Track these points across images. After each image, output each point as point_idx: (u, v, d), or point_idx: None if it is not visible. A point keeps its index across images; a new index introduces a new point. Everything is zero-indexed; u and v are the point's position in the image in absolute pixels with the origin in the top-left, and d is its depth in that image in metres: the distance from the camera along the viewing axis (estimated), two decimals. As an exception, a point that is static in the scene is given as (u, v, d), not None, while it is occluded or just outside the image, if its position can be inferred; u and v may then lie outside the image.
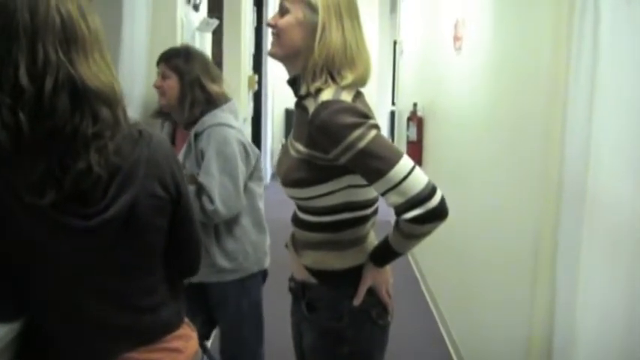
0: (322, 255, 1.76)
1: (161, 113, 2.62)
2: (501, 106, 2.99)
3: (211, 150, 2.39)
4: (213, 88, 2.48)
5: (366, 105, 1.69)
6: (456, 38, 3.89)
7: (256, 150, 2.55)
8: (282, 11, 1.70)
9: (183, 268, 1.59)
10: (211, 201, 2.36)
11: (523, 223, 2.56)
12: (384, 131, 8.94)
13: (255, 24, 6.59)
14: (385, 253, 1.73)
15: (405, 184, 1.54)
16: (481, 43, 3.36)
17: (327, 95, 1.60)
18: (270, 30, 1.73)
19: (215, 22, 3.43)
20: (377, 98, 8.75)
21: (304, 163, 1.66)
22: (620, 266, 1.92)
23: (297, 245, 1.83)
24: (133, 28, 2.48)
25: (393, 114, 9.04)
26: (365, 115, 1.58)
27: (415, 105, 5.27)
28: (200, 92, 2.46)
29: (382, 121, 9.01)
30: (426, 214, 1.55)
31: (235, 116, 2.56)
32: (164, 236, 1.44)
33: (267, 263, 2.64)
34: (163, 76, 2.49)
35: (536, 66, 2.45)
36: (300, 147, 1.67)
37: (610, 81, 1.88)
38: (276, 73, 8.32)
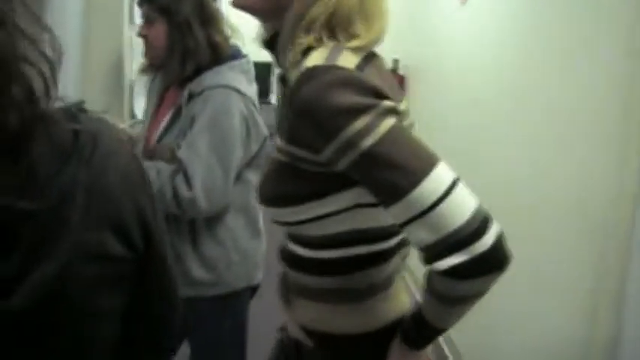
0: (323, 310, 1.22)
1: (151, 67, 2.03)
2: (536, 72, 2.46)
3: (204, 118, 1.82)
4: (213, 35, 1.90)
5: (382, 76, 1.14)
6: (461, -12, 3.33)
7: (263, 131, 1.95)
8: None
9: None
10: (189, 186, 1.79)
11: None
12: None
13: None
14: (419, 328, 1.16)
15: (438, 211, 0.99)
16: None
17: (315, 58, 1.06)
18: None
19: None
20: None
21: (287, 169, 1.13)
22: None
23: (289, 292, 1.29)
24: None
25: None
26: (376, 93, 1.04)
27: (396, 62, 4.68)
28: (194, 40, 1.87)
29: None
30: (472, 264, 1.00)
31: (249, 79, 1.96)
32: (116, 323, 0.84)
33: (258, 278, 2.06)
34: (147, 21, 1.93)
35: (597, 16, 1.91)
36: (282, 144, 1.14)
37: None
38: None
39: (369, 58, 1.13)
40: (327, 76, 1.02)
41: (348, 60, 1.06)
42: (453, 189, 1.00)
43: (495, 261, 1.00)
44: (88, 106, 0.81)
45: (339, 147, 1.01)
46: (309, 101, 1.01)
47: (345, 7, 1.11)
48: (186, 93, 1.88)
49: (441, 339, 3.38)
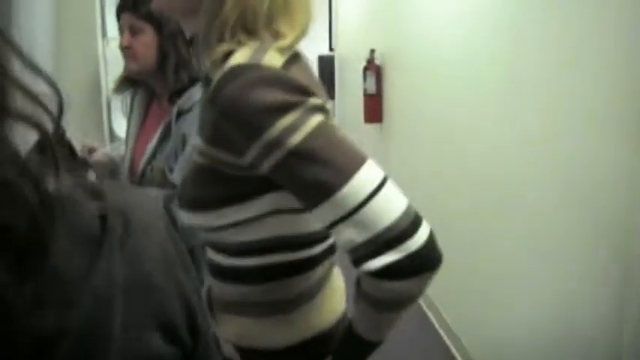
0: (247, 324, 1.18)
1: (129, 82, 1.91)
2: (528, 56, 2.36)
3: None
4: None
5: (308, 75, 1.10)
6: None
7: None
8: None
9: None
10: None
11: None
12: None
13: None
14: (352, 343, 1.13)
15: (368, 209, 0.97)
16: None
17: (238, 58, 1.02)
18: None
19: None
20: (305, 46, 8.14)
21: (207, 172, 1.09)
22: None
23: (214, 307, 1.23)
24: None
25: (323, 60, 8.45)
26: (303, 90, 1.00)
27: (373, 52, 4.58)
28: (186, 49, 1.79)
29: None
30: (404, 262, 0.96)
31: None
32: None
33: None
34: (132, 31, 1.81)
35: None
36: (202, 146, 1.10)
37: None
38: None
39: (295, 57, 1.08)
40: (250, 74, 0.98)
41: (274, 59, 1.01)
42: (382, 187, 0.98)
43: (428, 260, 0.98)
44: (65, 128, 0.67)
45: (264, 146, 0.97)
46: (233, 100, 0.97)
47: (262, 5, 1.06)
48: (175, 110, 1.78)
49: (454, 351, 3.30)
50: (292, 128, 0.96)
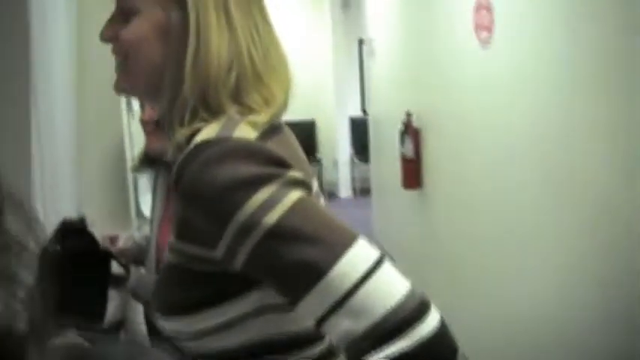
0: None
1: (150, 159, 1.73)
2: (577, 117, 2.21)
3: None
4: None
5: (288, 146, 1.01)
6: (480, 28, 3.07)
7: None
8: (126, 11, 1.02)
9: None
10: None
11: None
12: (345, 144, 8.71)
13: None
14: None
15: (365, 292, 0.82)
16: (528, 32, 2.57)
17: (204, 134, 0.92)
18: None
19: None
20: (336, 108, 8.67)
21: (180, 272, 0.97)
22: None
23: None
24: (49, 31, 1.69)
25: (355, 122, 8.40)
26: (278, 162, 0.90)
27: (409, 115, 4.41)
28: None
29: (342, 129, 8.47)
30: (417, 351, 0.79)
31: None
32: None
33: None
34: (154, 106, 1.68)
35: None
36: (172, 241, 0.98)
37: None
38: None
39: (273, 130, 0.97)
40: (216, 148, 0.87)
41: (245, 132, 0.91)
42: (379, 266, 0.83)
43: (444, 349, 0.81)
44: (89, 207, 0.52)
45: (237, 230, 0.85)
46: (195, 180, 0.86)
47: (228, 79, 0.96)
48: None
49: None
50: (268, 205, 0.84)
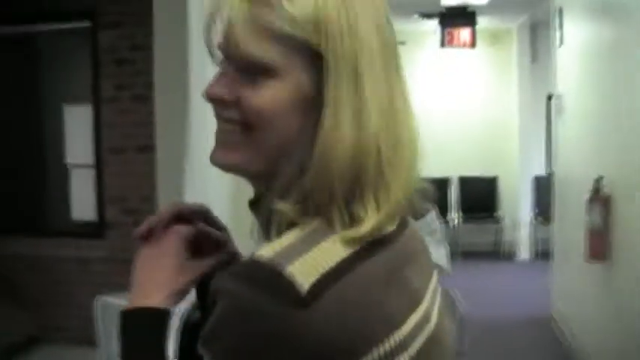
0: None
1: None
2: None
3: None
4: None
5: (388, 266, 0.76)
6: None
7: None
8: (253, 68, 0.75)
9: None
10: None
11: None
12: (527, 204, 8.29)
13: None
14: None
15: None
16: None
17: (273, 245, 0.72)
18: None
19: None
20: (520, 165, 8.39)
21: None
22: None
23: None
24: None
25: (539, 181, 7.99)
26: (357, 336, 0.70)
27: (599, 180, 4.00)
28: None
29: (524, 187, 8.13)
30: None
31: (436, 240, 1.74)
32: None
33: None
34: None
35: None
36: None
37: None
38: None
39: (379, 242, 0.75)
40: (252, 290, 0.68)
41: (327, 255, 0.71)
42: None
43: None
44: None
45: None
46: (219, 323, 0.69)
47: (348, 172, 0.73)
48: None
49: None
50: None
